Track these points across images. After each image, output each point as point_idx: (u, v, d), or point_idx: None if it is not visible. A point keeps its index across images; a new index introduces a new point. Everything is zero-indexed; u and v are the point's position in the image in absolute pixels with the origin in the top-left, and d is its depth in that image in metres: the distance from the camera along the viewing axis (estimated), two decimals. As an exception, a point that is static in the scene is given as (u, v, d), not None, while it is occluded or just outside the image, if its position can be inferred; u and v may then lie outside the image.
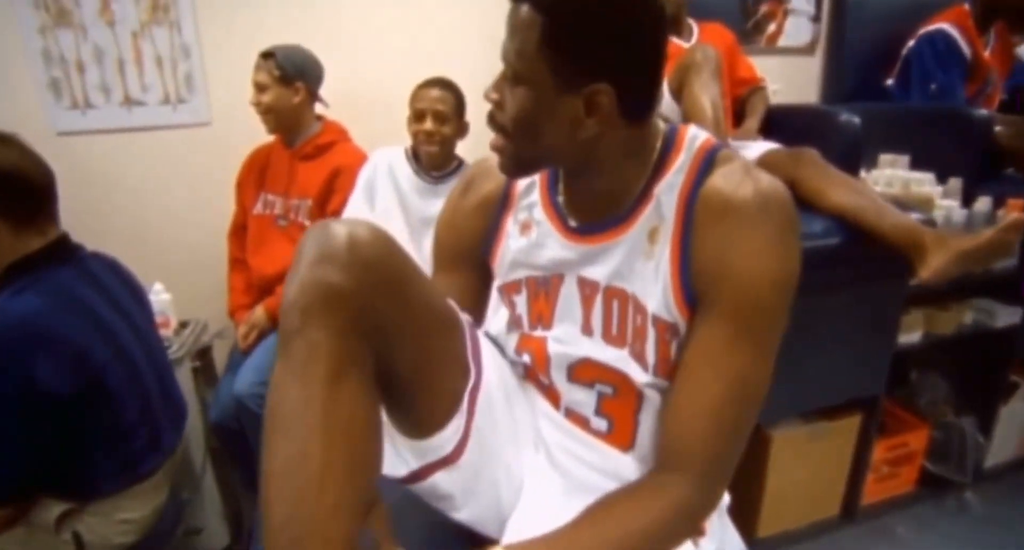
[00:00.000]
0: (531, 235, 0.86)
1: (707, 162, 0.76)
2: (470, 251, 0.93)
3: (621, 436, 0.83)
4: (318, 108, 1.93)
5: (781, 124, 2.16)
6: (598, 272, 0.81)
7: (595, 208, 0.81)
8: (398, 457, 0.79)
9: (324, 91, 1.92)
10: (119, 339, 1.19)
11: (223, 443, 1.84)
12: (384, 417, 0.77)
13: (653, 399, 0.80)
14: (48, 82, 1.91)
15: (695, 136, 0.78)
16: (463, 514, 0.84)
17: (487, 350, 0.85)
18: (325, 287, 0.64)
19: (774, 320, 0.73)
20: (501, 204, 0.91)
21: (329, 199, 1.85)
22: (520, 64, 0.70)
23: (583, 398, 0.85)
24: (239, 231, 2.01)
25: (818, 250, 1.45)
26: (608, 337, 0.82)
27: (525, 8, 0.68)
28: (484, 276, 0.95)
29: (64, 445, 1.11)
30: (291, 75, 1.77)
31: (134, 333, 1.24)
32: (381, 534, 0.65)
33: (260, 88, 1.78)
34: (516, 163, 0.78)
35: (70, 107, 1.95)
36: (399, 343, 0.70)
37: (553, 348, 0.85)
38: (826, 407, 1.74)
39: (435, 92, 1.69)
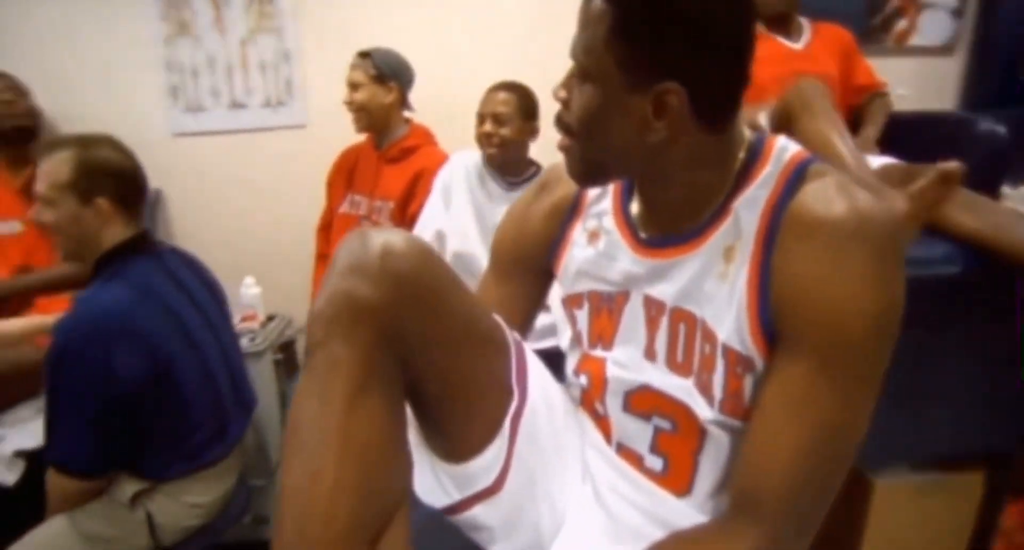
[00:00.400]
0: (599, 245, 0.79)
1: (796, 176, 0.66)
2: (533, 257, 0.88)
3: (677, 479, 0.74)
4: (405, 113, 1.95)
5: (908, 135, 1.90)
6: (666, 291, 0.73)
7: (668, 220, 0.73)
8: (438, 485, 0.74)
9: (413, 96, 1.94)
10: (192, 333, 1.24)
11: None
12: (422, 440, 0.74)
13: (717, 439, 0.71)
14: (168, 88, 2.08)
15: (785, 147, 0.69)
16: (500, 547, 0.78)
17: (535, 372, 0.79)
18: (352, 299, 0.61)
19: (869, 360, 0.63)
20: (571, 210, 0.85)
21: (410, 202, 1.86)
22: (587, 59, 0.65)
23: (638, 432, 0.77)
24: (326, 228, 2.07)
25: (938, 278, 1.25)
26: (672, 364, 0.74)
27: (597, 0, 0.63)
28: (543, 284, 0.90)
29: (135, 429, 1.17)
30: (386, 75, 1.81)
31: (207, 327, 1.29)
32: None
33: (354, 86, 1.82)
34: (583, 166, 0.72)
35: (184, 110, 2.10)
36: (432, 361, 0.66)
37: (612, 371, 0.78)
38: (945, 458, 1.50)
39: (499, 95, 1.67)
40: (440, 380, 0.68)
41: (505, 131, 1.66)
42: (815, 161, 0.68)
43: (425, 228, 1.74)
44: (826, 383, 0.61)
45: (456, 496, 0.73)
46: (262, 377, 1.94)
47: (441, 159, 1.89)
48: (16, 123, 1.88)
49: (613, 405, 0.78)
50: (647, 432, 0.76)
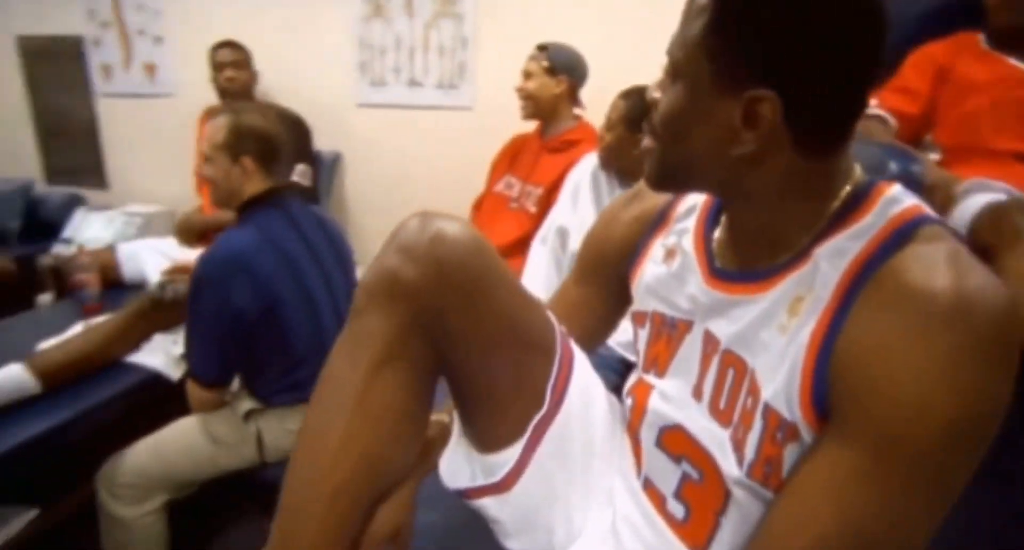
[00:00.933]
0: (673, 265, 0.74)
1: (901, 234, 0.55)
2: (614, 264, 0.85)
3: (696, 532, 0.69)
4: (575, 110, 1.99)
5: None
6: (723, 329, 0.67)
7: (746, 253, 0.66)
8: (462, 466, 0.77)
9: (587, 93, 1.97)
10: (304, 279, 1.40)
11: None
12: (459, 419, 0.77)
13: (743, 505, 0.64)
14: (358, 63, 2.31)
15: (897, 198, 0.58)
16: (513, 544, 0.79)
17: (580, 384, 0.76)
18: (394, 277, 0.63)
19: (931, 472, 0.51)
20: (656, 222, 0.80)
21: (553, 193, 1.90)
22: (680, 56, 0.59)
23: (666, 472, 0.72)
24: (479, 205, 2.19)
25: None
26: (715, 410, 0.68)
27: None
28: (622, 292, 0.85)
29: (249, 354, 1.36)
30: (557, 68, 1.90)
31: (321, 277, 1.45)
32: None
33: (527, 75, 1.93)
34: (660, 170, 0.65)
35: (369, 84, 2.33)
36: (468, 352, 0.67)
37: (653, 402, 0.74)
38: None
39: (616, 100, 1.66)
40: (473, 373, 0.69)
41: (608, 137, 1.65)
42: (930, 221, 0.56)
43: (551, 223, 1.77)
44: (872, 482, 0.51)
45: (469, 483, 0.75)
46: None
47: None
48: (235, 90, 2.24)
49: (647, 437, 0.75)
50: (675, 475, 0.71)
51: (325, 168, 2.45)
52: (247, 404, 1.42)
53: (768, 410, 0.59)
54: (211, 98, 2.38)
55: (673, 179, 0.66)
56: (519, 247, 1.88)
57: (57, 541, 1.43)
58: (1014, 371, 0.50)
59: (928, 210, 0.57)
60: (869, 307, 0.53)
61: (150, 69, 2.71)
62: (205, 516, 1.19)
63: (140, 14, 2.64)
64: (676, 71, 0.60)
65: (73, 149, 3.05)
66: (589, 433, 0.78)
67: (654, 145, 0.65)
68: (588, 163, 1.79)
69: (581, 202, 1.77)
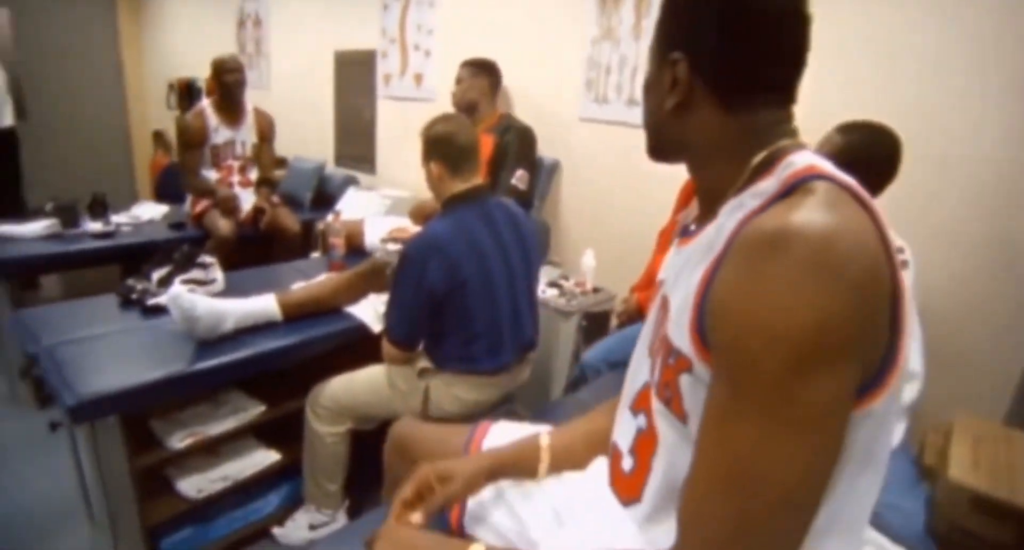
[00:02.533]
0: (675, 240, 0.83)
1: (786, 192, 0.60)
2: None
3: (634, 482, 0.76)
4: None
5: None
6: (667, 280, 0.76)
7: (701, 211, 0.75)
8: None
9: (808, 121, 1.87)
10: (489, 265, 1.59)
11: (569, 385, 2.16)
12: None
13: (667, 441, 0.70)
14: (585, 80, 2.48)
15: (795, 161, 0.62)
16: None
17: None
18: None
19: (788, 396, 0.52)
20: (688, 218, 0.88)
21: None
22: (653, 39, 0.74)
23: (627, 431, 0.80)
24: (665, 232, 2.20)
25: None
26: (652, 350, 0.76)
27: None
28: None
29: (433, 324, 1.59)
30: None
31: (504, 265, 1.62)
32: None
33: None
34: (648, 140, 0.78)
35: (593, 100, 2.48)
36: None
37: (628, 372, 0.83)
38: None
39: (831, 134, 1.54)
40: None
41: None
42: (817, 179, 0.59)
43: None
44: (741, 415, 0.54)
45: None
46: (564, 333, 2.24)
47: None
48: (461, 107, 2.58)
49: (625, 406, 0.82)
50: (631, 430, 0.78)
51: (545, 173, 2.68)
52: (423, 363, 1.67)
53: (664, 339, 0.69)
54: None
55: (655, 146, 0.77)
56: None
57: (274, 436, 1.84)
58: (847, 288, 0.51)
59: (824, 168, 0.60)
60: (731, 255, 0.59)
61: (418, 78, 3.22)
62: (379, 453, 1.45)
63: (418, 32, 3.16)
64: (649, 53, 0.75)
65: (356, 139, 3.76)
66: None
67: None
68: None
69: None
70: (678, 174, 2.15)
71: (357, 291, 1.92)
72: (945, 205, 1.72)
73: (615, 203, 2.55)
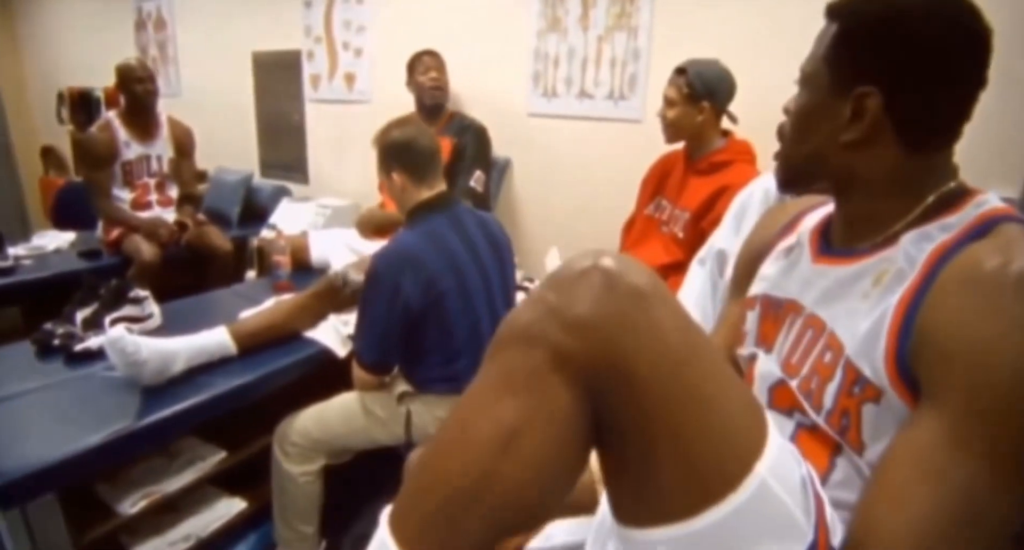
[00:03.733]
0: (791, 256, 0.81)
1: (983, 228, 0.63)
2: (752, 271, 0.88)
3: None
4: (725, 123, 1.88)
5: None
6: (811, 297, 0.74)
7: (847, 235, 0.75)
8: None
9: (742, 104, 1.86)
10: (464, 275, 1.48)
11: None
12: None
13: (847, 458, 0.67)
14: (532, 73, 2.40)
15: (986, 201, 0.66)
16: None
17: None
18: (555, 349, 0.56)
19: (1020, 432, 0.54)
20: (787, 225, 0.87)
21: (704, 216, 1.81)
22: (808, 66, 0.72)
23: (782, 428, 0.74)
24: (630, 225, 2.16)
25: None
26: (787, 364, 0.75)
27: (830, 20, 0.71)
28: None
29: (410, 343, 1.47)
30: (699, 94, 1.77)
31: (480, 274, 1.53)
32: None
33: (668, 102, 1.83)
34: (785, 168, 0.77)
35: (541, 94, 2.40)
36: (637, 438, 0.58)
37: (758, 367, 0.80)
38: None
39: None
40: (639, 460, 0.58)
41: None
42: (1012, 220, 0.63)
43: (712, 246, 1.68)
44: (969, 443, 0.54)
45: None
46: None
47: (749, 178, 1.78)
48: (435, 101, 2.44)
49: (762, 402, 0.78)
50: (788, 428, 0.74)
51: (496, 172, 2.58)
52: (402, 386, 1.54)
53: (848, 365, 0.65)
54: (400, 104, 2.61)
55: (797, 174, 0.77)
56: (667, 273, 1.82)
57: (238, 481, 1.66)
58: None
59: (1015, 212, 0.64)
60: (946, 287, 0.59)
61: (350, 78, 3.04)
62: (356, 486, 1.32)
63: (346, 30, 2.97)
64: (804, 80, 0.73)
65: (284, 148, 3.52)
66: None
67: (783, 148, 0.77)
68: (759, 186, 1.67)
69: (746, 227, 1.66)
70: (633, 167, 2.19)
71: (314, 313, 1.76)
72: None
73: (572, 199, 2.49)
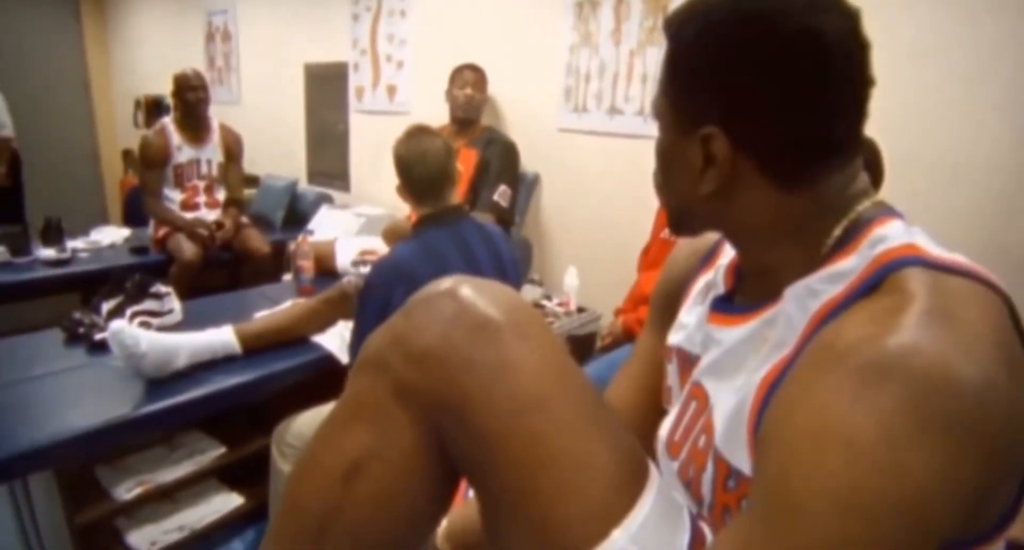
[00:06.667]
0: (707, 301, 0.68)
1: (875, 279, 0.47)
2: (672, 304, 0.77)
3: None
4: None
5: None
6: (704, 360, 0.63)
7: (747, 286, 0.63)
8: None
9: None
10: None
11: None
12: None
13: None
14: (564, 89, 2.38)
15: (886, 236, 0.50)
16: None
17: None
18: (396, 377, 0.55)
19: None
20: (705, 256, 0.74)
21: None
22: (655, 100, 0.59)
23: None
24: (648, 251, 2.09)
25: None
26: (669, 442, 0.64)
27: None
28: None
29: None
30: None
31: None
32: None
33: None
34: (668, 214, 0.64)
35: (572, 110, 2.38)
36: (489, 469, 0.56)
37: (660, 430, 0.69)
38: None
39: None
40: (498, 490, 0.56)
41: None
42: (913, 263, 0.46)
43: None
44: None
45: None
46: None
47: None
48: (466, 115, 2.46)
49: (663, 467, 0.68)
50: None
51: (525, 187, 2.57)
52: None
53: (717, 455, 0.55)
54: (436, 115, 2.65)
55: (680, 222, 0.64)
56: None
57: (240, 478, 1.70)
58: (975, 449, 0.38)
59: (924, 247, 0.48)
60: (802, 361, 0.46)
61: (391, 90, 3.11)
62: None
63: (389, 43, 3.05)
64: (656, 118, 0.59)
65: (328, 156, 3.63)
66: None
67: (657, 192, 0.65)
68: None
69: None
70: None
71: (324, 319, 1.79)
72: (946, 211, 1.65)
73: (597, 218, 2.45)
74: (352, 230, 2.83)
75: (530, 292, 2.36)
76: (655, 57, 2.13)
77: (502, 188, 2.35)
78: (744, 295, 0.63)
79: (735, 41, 0.51)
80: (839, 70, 0.50)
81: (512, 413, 0.51)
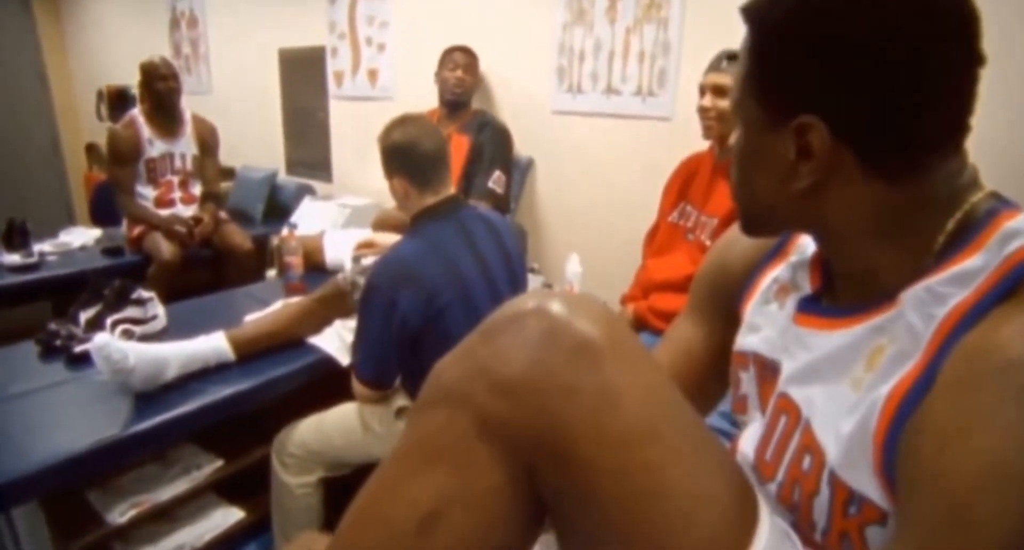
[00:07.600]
0: (786, 302, 0.63)
1: (1011, 280, 0.43)
2: (725, 297, 0.72)
3: None
4: None
5: None
6: (788, 368, 0.58)
7: (841, 288, 0.58)
8: None
9: None
10: (469, 286, 1.39)
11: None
12: None
13: None
14: (556, 69, 2.29)
15: (1019, 230, 0.45)
16: None
17: None
18: (482, 413, 0.49)
19: None
20: (774, 250, 0.68)
21: (728, 225, 1.68)
22: (735, 97, 0.54)
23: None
24: (654, 232, 2.03)
25: None
26: (759, 462, 0.58)
27: (747, 26, 0.53)
28: (731, 331, 0.72)
29: (411, 358, 1.39)
30: None
31: (487, 284, 1.43)
32: None
33: (719, 91, 1.70)
34: (743, 216, 0.59)
35: (566, 91, 2.29)
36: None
37: (742, 446, 0.63)
38: None
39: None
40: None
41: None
42: None
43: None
44: None
45: None
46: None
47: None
48: (456, 98, 2.36)
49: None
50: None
51: (519, 172, 2.48)
52: (401, 401, 1.46)
53: (835, 479, 0.49)
54: (423, 100, 2.54)
55: (758, 223, 0.59)
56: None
57: (238, 491, 1.61)
58: None
59: None
60: (946, 380, 0.42)
61: (373, 75, 2.98)
62: None
63: (369, 25, 2.91)
64: (734, 111, 0.55)
65: (308, 145, 3.49)
66: None
67: (732, 190, 0.60)
68: None
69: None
70: (662, 167, 2.05)
71: (319, 319, 1.69)
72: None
73: (596, 203, 2.37)
74: (338, 222, 2.72)
75: (530, 281, 2.29)
76: (652, 35, 2.05)
77: (496, 174, 2.26)
78: (835, 297, 0.58)
79: (837, 16, 0.46)
80: (956, 46, 0.46)
81: (623, 445, 0.45)
